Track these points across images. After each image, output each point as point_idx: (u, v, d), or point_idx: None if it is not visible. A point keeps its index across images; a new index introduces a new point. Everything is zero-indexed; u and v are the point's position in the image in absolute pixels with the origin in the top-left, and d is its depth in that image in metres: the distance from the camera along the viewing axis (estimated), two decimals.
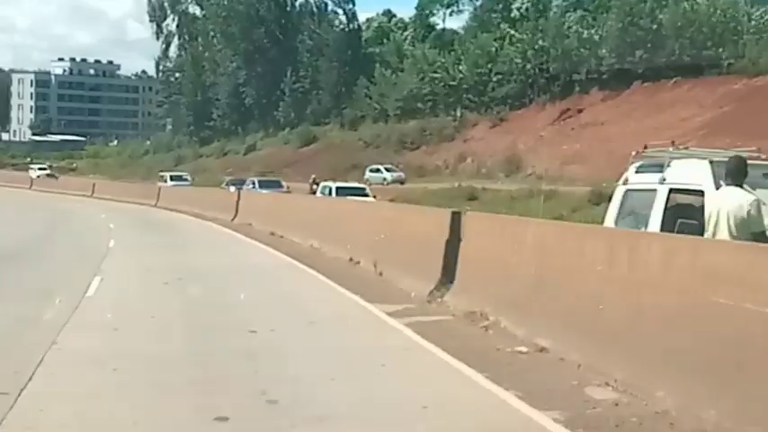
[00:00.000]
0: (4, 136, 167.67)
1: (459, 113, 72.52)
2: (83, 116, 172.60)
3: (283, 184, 49.79)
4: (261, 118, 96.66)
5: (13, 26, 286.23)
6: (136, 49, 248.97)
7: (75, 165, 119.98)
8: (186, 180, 62.71)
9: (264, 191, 42.88)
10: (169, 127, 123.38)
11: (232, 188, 49.35)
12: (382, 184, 55.47)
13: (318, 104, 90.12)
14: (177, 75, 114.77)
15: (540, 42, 71.24)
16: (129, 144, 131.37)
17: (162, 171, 70.71)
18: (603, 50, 68.86)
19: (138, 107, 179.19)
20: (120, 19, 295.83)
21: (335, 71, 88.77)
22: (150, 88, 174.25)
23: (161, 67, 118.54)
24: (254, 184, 48.03)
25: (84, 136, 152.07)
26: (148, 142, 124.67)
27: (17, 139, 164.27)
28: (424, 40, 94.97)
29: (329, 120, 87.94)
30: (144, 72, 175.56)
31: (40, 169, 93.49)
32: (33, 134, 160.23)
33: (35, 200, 56.12)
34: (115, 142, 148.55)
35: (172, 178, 62.62)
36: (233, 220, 31.39)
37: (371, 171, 58.63)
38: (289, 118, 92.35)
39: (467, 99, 73.68)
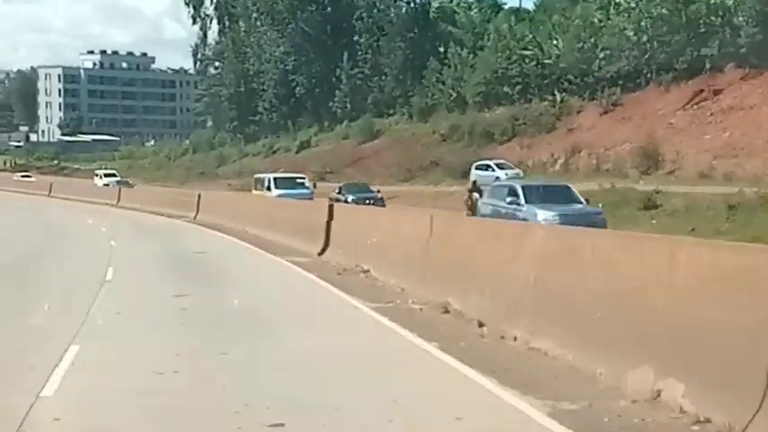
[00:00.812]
0: (33, 137, 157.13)
1: (558, 98, 59.59)
2: (116, 114, 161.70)
3: (576, 193, 25.08)
4: (314, 110, 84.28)
5: (48, 26, 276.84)
6: (173, 47, 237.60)
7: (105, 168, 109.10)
8: (305, 188, 40.13)
9: (551, 216, 21.75)
10: (210, 123, 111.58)
11: (350, 198, 36.98)
12: None
13: (381, 93, 77.49)
14: (217, 64, 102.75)
15: (658, 9, 58.07)
16: (167, 144, 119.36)
17: (259, 172, 49.19)
18: (740, 18, 55.72)
19: (176, 103, 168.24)
20: (157, 17, 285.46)
21: (400, 53, 76.07)
22: (188, 83, 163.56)
23: (199, 56, 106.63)
24: (515, 195, 23.50)
25: (119, 135, 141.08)
26: (187, 141, 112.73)
27: (46, 139, 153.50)
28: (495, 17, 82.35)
29: (394, 110, 75.39)
30: (182, 69, 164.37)
31: (107, 176, 74.40)
32: (63, 134, 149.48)
33: (40, 210, 44.60)
34: (152, 142, 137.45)
35: (279, 184, 39.18)
36: (321, 254, 19.02)
37: (479, 168, 45.44)
38: (346, 109, 79.91)
39: (566, 81, 60.63)
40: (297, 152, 78.56)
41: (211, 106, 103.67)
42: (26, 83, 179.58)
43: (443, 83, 69.33)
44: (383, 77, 77.44)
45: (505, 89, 63.86)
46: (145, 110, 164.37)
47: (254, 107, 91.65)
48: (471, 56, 69.06)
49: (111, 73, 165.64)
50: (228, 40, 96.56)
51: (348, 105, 79.74)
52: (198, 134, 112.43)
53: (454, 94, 67.45)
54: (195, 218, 35.19)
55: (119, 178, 72.35)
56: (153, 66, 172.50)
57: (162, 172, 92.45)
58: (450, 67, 69.52)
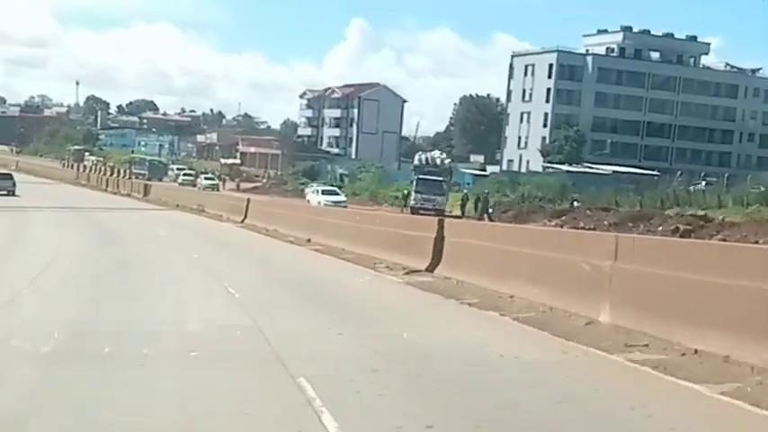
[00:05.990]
0: (491, 168, 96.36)
1: None
2: (633, 135, 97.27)
3: None
4: None
5: None
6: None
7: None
8: None
9: None
10: None
11: None
12: None
13: None
14: None
15: None
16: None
17: None
18: None
19: (735, 125, 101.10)
20: None
21: None
22: (756, 92, 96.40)
23: None
24: None
25: (654, 170, 76.15)
26: None
27: (514, 168, 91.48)
28: None
29: None
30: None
31: None
32: (547, 162, 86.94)
33: None
34: (702, 184, 71.57)
35: None
36: None
37: None
38: None
39: None
40: None
41: None
42: (482, 102, 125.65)
43: None
44: None
45: None
46: (681, 130, 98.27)
47: None
48: None
49: (640, 66, 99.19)
50: None
51: None
52: None
53: None
54: None
55: None
56: (704, 58, 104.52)
57: None
58: None
